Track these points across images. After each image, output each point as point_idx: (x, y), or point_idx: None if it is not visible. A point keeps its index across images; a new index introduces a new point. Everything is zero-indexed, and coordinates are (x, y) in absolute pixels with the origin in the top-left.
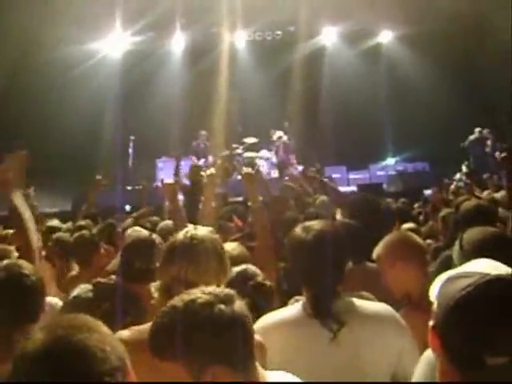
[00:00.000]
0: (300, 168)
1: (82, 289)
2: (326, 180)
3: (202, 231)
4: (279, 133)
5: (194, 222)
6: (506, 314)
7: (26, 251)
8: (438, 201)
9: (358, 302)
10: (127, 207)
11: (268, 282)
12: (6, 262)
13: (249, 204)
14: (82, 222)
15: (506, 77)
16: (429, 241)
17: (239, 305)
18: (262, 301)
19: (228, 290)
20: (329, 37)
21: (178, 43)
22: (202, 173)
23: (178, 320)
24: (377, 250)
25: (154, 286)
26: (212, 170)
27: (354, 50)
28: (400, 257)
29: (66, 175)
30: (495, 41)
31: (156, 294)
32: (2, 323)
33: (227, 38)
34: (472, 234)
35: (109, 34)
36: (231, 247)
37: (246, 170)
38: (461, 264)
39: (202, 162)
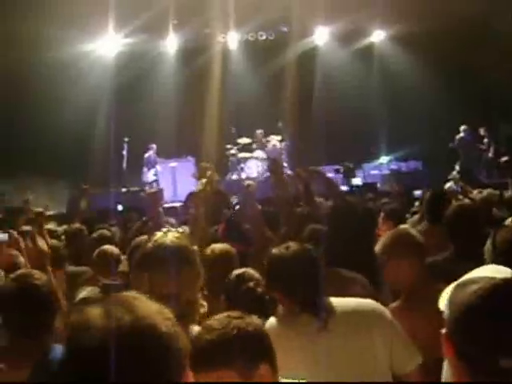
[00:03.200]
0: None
1: (90, 291)
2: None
3: (169, 237)
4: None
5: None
6: None
7: (38, 257)
8: None
9: (341, 299)
10: (119, 207)
11: (261, 288)
12: (19, 272)
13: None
14: (77, 226)
15: (500, 75)
16: None
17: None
18: (252, 305)
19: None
20: (322, 37)
21: (170, 44)
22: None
23: (226, 333)
24: (378, 245)
25: None
26: (203, 181)
27: (347, 50)
28: (394, 254)
29: (61, 177)
30: (489, 39)
31: None
32: (17, 334)
33: (220, 39)
34: (504, 233)
35: (101, 36)
36: (212, 248)
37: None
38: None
39: (152, 171)
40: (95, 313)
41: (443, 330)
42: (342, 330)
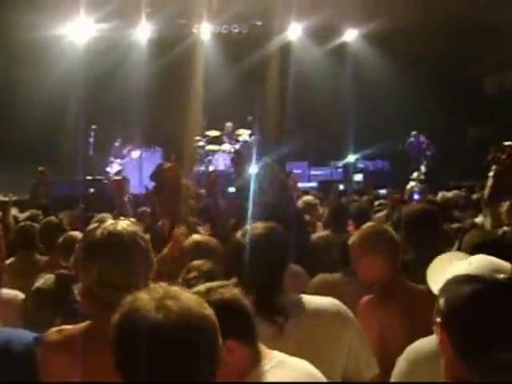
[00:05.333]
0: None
1: (46, 279)
2: None
3: (121, 225)
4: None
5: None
6: None
7: None
8: (394, 200)
9: (303, 297)
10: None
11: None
12: None
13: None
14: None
15: (470, 75)
16: None
17: (235, 289)
18: None
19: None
20: (295, 33)
21: (143, 33)
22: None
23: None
24: (352, 238)
25: (76, 289)
26: (188, 182)
27: (320, 47)
28: (371, 249)
29: (27, 163)
30: (460, 38)
31: (79, 298)
32: None
33: (193, 30)
34: (471, 237)
35: (73, 20)
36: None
37: (115, 177)
38: None
39: (119, 161)
40: (146, 302)
41: (438, 319)
42: (299, 336)
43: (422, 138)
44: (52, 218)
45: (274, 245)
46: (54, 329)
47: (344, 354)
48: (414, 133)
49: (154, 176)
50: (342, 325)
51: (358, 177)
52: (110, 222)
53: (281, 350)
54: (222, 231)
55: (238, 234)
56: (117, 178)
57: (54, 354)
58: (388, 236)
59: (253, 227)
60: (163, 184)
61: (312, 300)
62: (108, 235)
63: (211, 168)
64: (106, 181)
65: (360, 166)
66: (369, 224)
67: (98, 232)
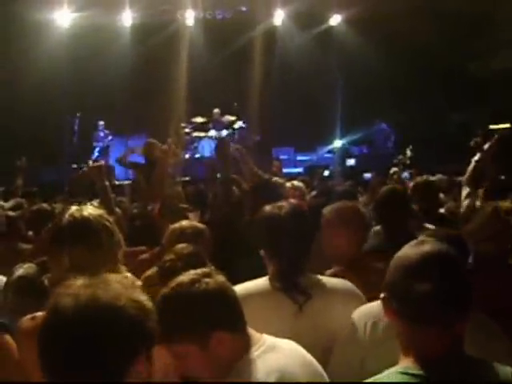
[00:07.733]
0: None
1: (26, 268)
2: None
3: (87, 210)
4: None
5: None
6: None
7: None
8: (377, 185)
9: (320, 277)
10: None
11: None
12: None
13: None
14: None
15: (454, 60)
16: None
17: (219, 277)
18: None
19: (205, 269)
20: (280, 19)
21: (126, 19)
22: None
23: (173, 302)
24: (324, 213)
25: (46, 278)
26: (165, 147)
27: (305, 32)
28: (336, 224)
29: (11, 151)
30: (445, 23)
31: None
32: None
33: (177, 16)
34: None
35: (56, 6)
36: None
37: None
38: None
39: (100, 145)
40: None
41: (382, 294)
42: (316, 315)
43: (385, 126)
44: (43, 205)
45: (304, 220)
46: (28, 316)
47: None
48: (377, 120)
49: (144, 150)
50: (356, 304)
51: (351, 161)
52: (74, 208)
53: (298, 327)
54: (217, 216)
55: (268, 207)
56: (95, 164)
57: (27, 341)
58: (356, 211)
59: (281, 204)
60: (153, 162)
61: (329, 281)
62: (74, 220)
63: (197, 155)
64: (84, 168)
65: (353, 150)
66: (340, 202)
67: (65, 220)
